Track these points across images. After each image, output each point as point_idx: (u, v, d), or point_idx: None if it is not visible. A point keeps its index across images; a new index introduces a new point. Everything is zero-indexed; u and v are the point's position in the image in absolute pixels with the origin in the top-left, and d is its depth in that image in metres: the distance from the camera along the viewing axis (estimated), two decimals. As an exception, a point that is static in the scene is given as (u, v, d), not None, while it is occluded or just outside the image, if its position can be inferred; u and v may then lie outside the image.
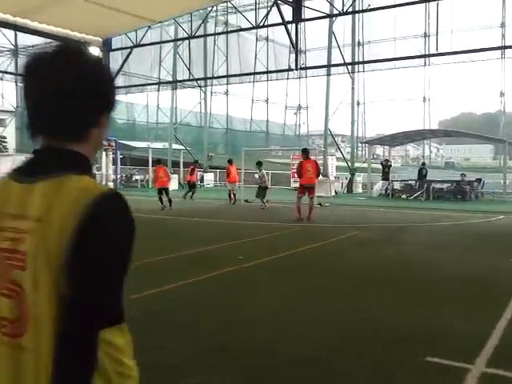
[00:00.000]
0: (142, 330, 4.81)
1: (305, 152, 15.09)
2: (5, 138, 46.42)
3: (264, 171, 19.08)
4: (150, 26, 23.98)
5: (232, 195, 20.41)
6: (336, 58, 26.58)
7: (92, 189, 1.17)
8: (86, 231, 1.12)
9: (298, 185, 15.81)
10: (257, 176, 19.33)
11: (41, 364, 1.15)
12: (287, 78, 31.31)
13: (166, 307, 5.61)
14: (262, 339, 4.58)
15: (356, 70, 25.74)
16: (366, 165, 28.96)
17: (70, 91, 1.22)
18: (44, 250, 1.14)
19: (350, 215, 15.90)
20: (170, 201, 17.17)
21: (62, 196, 1.16)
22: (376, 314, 5.32)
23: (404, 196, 23.64)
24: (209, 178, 33.90)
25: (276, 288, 6.57)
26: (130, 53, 25.50)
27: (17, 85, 41.45)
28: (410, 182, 25.31)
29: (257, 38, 44.29)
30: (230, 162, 20.82)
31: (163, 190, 17.43)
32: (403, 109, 47.74)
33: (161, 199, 17.35)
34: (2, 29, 34.40)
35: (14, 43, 37.14)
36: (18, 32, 31.41)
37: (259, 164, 18.92)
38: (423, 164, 27.77)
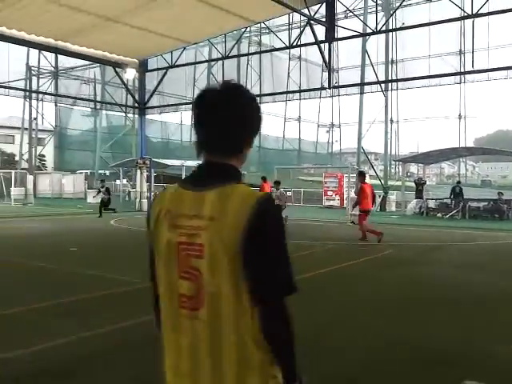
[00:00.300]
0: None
1: (362, 175, 14.25)
2: (44, 156, 47.86)
3: (282, 190, 18.96)
4: (185, 48, 24.49)
5: None
6: (369, 76, 26.57)
7: (253, 193, 1.53)
8: (257, 224, 1.47)
9: (356, 211, 14.36)
10: (274, 196, 19.35)
11: (215, 332, 1.50)
12: (320, 97, 31.35)
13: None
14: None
15: (389, 87, 25.61)
16: (399, 183, 28.63)
17: (239, 120, 1.62)
18: (219, 241, 1.48)
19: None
20: None
21: (232, 200, 1.51)
22: (413, 333, 5.26)
23: (439, 215, 23.24)
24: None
25: (315, 304, 6.56)
26: (165, 73, 26.05)
27: (56, 105, 42.88)
28: (445, 200, 24.88)
29: (289, 57, 44.66)
30: (263, 178, 20.72)
31: None
32: (437, 126, 47.42)
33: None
34: (44, 52, 35.83)
35: (54, 65, 38.51)
36: (58, 55, 32.55)
37: (277, 183, 18.66)
38: (458, 182, 27.29)
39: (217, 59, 27.97)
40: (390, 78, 28.17)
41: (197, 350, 1.53)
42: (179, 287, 1.55)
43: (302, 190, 32.61)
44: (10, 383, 3.93)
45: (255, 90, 40.81)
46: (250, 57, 40.46)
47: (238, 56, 30.62)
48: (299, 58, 45.84)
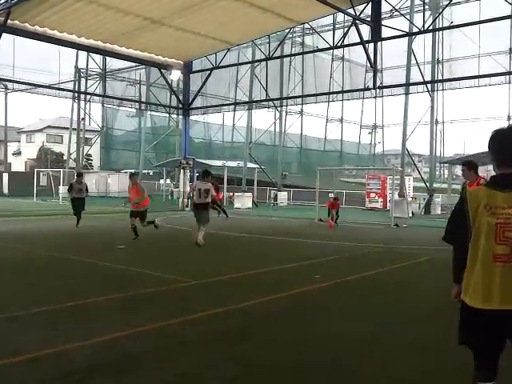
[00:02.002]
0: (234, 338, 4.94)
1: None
2: (90, 155, 49.19)
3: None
4: (229, 49, 24.69)
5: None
6: (415, 77, 26.09)
7: None
8: None
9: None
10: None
11: None
12: (363, 98, 31.03)
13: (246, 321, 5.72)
14: (343, 360, 4.55)
15: (436, 88, 25.07)
16: (445, 185, 27.97)
17: None
18: None
19: (428, 237, 15.39)
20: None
21: None
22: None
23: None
24: (282, 196, 34.03)
25: (355, 309, 6.50)
26: (209, 74, 26.34)
27: (103, 106, 44.01)
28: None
29: (333, 58, 44.34)
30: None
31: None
32: (485, 128, 45.81)
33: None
34: (92, 54, 36.83)
35: (101, 67, 39.51)
36: (106, 57, 33.37)
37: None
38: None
39: (260, 60, 28.09)
40: (436, 78, 27.54)
41: (508, 283, 2.54)
42: (496, 250, 2.55)
43: (344, 191, 32.28)
44: (66, 376, 4.05)
45: (297, 91, 40.76)
46: (292, 58, 40.43)
47: (281, 57, 30.64)
48: (342, 58, 45.47)
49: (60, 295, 6.72)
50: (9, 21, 18.78)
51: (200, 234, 11.85)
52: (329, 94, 30.49)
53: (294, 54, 36.27)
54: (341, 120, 51.03)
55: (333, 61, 44.37)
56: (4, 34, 19.32)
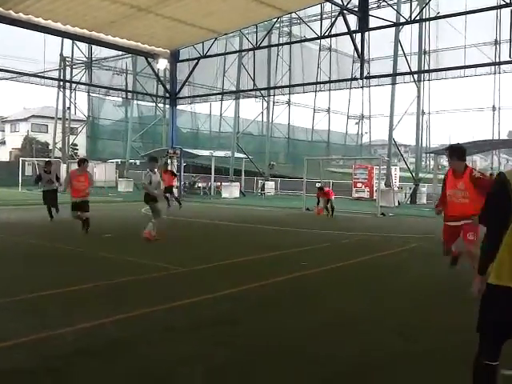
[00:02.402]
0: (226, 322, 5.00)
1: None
2: (76, 145, 48.69)
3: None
4: (216, 38, 24.56)
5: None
6: (401, 67, 26.17)
7: None
8: None
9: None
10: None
11: None
12: (350, 88, 31.11)
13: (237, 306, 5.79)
14: (332, 343, 4.64)
15: (422, 78, 25.18)
16: (430, 175, 28.22)
17: None
18: None
19: (413, 226, 15.57)
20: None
21: None
22: (444, 325, 5.24)
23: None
24: (270, 186, 34.10)
25: (343, 295, 6.60)
26: (196, 64, 26.20)
27: (89, 95, 43.54)
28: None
29: (320, 48, 44.28)
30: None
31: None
32: (470, 118, 46.25)
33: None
34: (78, 43, 36.40)
35: (87, 56, 39.08)
36: (92, 45, 33.00)
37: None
38: (490, 175, 26.72)
39: (247, 50, 27.98)
40: (423, 69, 27.67)
41: None
42: None
43: (332, 181, 32.40)
44: (54, 360, 4.08)
45: (285, 81, 40.67)
46: (280, 48, 40.29)
47: (269, 47, 30.53)
48: (329, 48, 45.41)
49: (47, 283, 6.73)
50: (-8, 8, 18.51)
51: (149, 226, 10.74)
52: (316, 83, 30.52)
53: (282, 44, 36.16)
54: (328, 110, 51.06)
55: (320, 51, 44.28)
56: (-12, 22, 19.04)
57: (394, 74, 25.14)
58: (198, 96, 32.82)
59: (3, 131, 61.29)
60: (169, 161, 27.46)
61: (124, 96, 37.85)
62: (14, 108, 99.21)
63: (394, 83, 25.30)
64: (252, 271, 8.05)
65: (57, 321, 5.05)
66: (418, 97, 28.89)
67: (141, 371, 3.88)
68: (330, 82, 30.15)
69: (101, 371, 3.88)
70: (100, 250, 9.43)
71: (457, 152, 6.61)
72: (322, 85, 30.27)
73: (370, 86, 29.99)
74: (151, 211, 11.22)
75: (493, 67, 22.45)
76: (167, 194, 18.64)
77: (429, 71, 25.92)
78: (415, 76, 24.75)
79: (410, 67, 25.11)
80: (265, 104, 41.89)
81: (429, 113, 39.57)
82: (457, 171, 6.58)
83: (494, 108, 37.72)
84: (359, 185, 30.28)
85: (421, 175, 29.34)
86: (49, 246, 10.07)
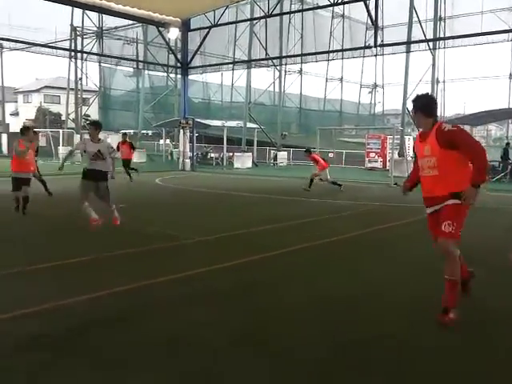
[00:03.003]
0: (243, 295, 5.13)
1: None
2: (89, 116, 48.78)
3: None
4: (227, 6, 24.22)
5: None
6: (416, 35, 25.70)
7: None
8: None
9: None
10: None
11: None
12: (363, 56, 30.64)
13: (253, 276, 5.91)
14: (339, 314, 4.75)
15: (437, 46, 24.71)
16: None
17: None
18: None
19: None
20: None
21: None
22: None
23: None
24: (282, 156, 34.06)
25: (352, 266, 6.69)
26: (207, 33, 25.91)
27: (100, 66, 43.41)
28: (492, 163, 24.20)
29: (333, 15, 43.52)
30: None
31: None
32: (486, 87, 45.44)
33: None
34: (88, 12, 36.09)
35: (98, 25, 38.80)
36: (102, 15, 32.72)
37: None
38: (507, 144, 26.44)
39: (259, 18, 27.60)
40: (438, 36, 27.12)
41: None
42: None
43: (344, 151, 32.29)
44: (70, 327, 4.24)
45: (297, 50, 40.15)
46: (292, 16, 39.65)
47: (281, 14, 30.03)
48: (342, 15, 44.60)
49: (63, 252, 6.88)
50: (3, -23, 18.38)
51: (114, 213, 8.86)
52: (328, 52, 30.13)
53: (294, 12, 35.60)
54: (341, 79, 50.48)
55: (333, 18, 43.56)
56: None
57: (409, 42, 24.72)
58: (209, 66, 32.55)
59: (16, 102, 61.48)
60: (181, 131, 27.49)
61: (135, 66, 37.65)
62: (26, 79, 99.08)
63: (408, 51, 24.89)
64: (265, 241, 8.15)
65: (73, 289, 5.20)
66: (433, 65, 28.44)
67: (153, 339, 4.01)
68: (342, 50, 29.75)
69: (115, 339, 4.01)
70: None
71: (421, 103, 4.52)
72: (334, 53, 29.86)
73: (383, 55, 29.49)
74: (103, 194, 8.68)
75: (510, 34, 21.94)
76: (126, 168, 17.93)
77: (444, 38, 25.41)
78: (430, 44, 24.29)
79: (424, 34, 24.66)
80: (276, 73, 41.51)
81: (444, 81, 39.05)
82: (424, 132, 4.56)
83: (510, 76, 37.04)
84: (372, 155, 30.13)
85: (434, 145, 29.10)
86: (62, 214, 10.25)
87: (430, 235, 4.76)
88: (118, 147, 16.97)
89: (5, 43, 30.12)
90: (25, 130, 10.44)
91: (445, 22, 31.67)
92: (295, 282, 5.74)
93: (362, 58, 40.97)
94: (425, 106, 4.51)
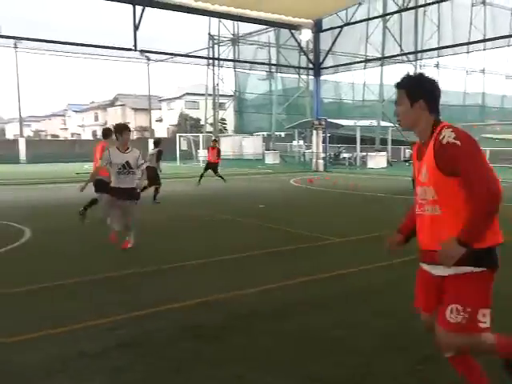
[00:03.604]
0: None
1: None
2: (225, 120, 51.17)
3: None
4: (360, 3, 23.89)
5: None
6: None
7: None
8: None
9: None
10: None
11: None
12: (508, 45, 28.37)
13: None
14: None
15: None
16: None
17: None
18: None
19: None
20: None
21: None
22: None
23: None
24: (417, 155, 32.67)
25: None
26: (339, 32, 25.77)
27: (235, 71, 45.26)
28: None
29: (472, 3, 40.77)
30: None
31: None
32: None
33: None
34: (223, 20, 37.85)
35: (232, 33, 40.49)
36: (237, 22, 34.07)
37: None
38: None
39: (393, 12, 26.83)
40: None
41: None
42: None
43: (488, 149, 30.07)
44: (235, 318, 4.52)
45: (433, 43, 38.24)
46: (426, 7, 37.88)
47: (417, 7, 28.84)
48: (483, 2, 41.60)
49: (227, 247, 7.40)
50: (150, -5, 20.02)
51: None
52: (468, 43, 28.29)
53: (430, 4, 33.91)
54: (482, 71, 47.13)
55: (473, 6, 40.79)
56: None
57: None
58: (341, 65, 32.31)
59: (160, 109, 66.59)
60: (314, 132, 27.66)
61: (267, 69, 38.68)
62: (169, 87, 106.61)
63: None
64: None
65: (236, 283, 5.55)
66: None
67: (303, 334, 4.13)
68: (484, 40, 27.78)
69: (273, 331, 4.20)
70: (257, 220, 9.97)
71: (411, 85, 2.72)
72: (475, 44, 28.01)
73: (533, 42, 26.99)
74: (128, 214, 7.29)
75: None
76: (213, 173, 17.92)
77: None
78: None
79: None
80: (411, 69, 39.94)
81: None
82: (422, 140, 2.71)
83: None
84: (521, 151, 27.71)
85: None
86: (217, 216, 10.90)
87: (415, 302, 2.86)
88: (208, 150, 18.90)
89: (151, 55, 32.61)
90: (108, 131, 8.86)
91: None
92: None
93: (508, 47, 37.86)
94: (415, 87, 2.69)
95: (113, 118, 73.02)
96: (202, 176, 17.85)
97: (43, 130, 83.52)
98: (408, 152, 33.24)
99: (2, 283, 5.58)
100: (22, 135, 44.57)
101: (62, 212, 11.23)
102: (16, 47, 33.51)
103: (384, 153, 31.38)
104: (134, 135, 64.00)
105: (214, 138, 22.37)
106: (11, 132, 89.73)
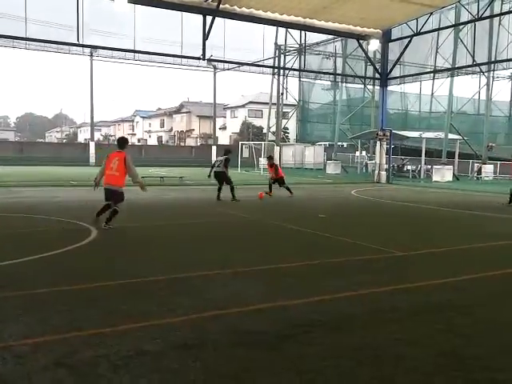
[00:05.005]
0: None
1: None
2: (287, 129, 51.31)
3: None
4: (431, 13, 23.31)
5: None
6: None
7: None
8: None
9: None
10: None
11: None
12: None
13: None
14: None
15: None
16: None
17: None
18: None
19: None
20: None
21: None
22: None
23: None
24: (488, 170, 31.41)
25: None
26: (409, 42, 25.26)
27: (300, 80, 45.35)
28: None
29: (552, 13, 38.77)
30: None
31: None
32: None
33: None
34: (290, 30, 38.04)
35: (299, 42, 40.60)
36: (304, 32, 34.13)
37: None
38: None
39: (467, 22, 25.99)
40: None
41: None
42: None
43: None
44: (293, 327, 4.48)
45: (508, 54, 36.70)
46: (502, 17, 36.47)
47: (492, 17, 27.83)
48: None
49: (283, 256, 7.40)
50: (220, 5, 20.43)
51: None
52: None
53: (507, 13, 32.62)
54: (561, 83, 44.67)
55: (552, 16, 38.79)
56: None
57: None
58: (409, 75, 31.70)
59: (224, 117, 67.71)
60: (378, 143, 27.21)
61: (332, 79, 38.43)
62: (233, 96, 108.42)
63: None
64: (477, 259, 7.61)
65: (291, 292, 5.51)
66: None
67: (362, 346, 4.02)
68: None
69: (331, 343, 4.13)
70: (317, 230, 9.88)
71: None
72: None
73: None
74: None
75: None
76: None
77: None
78: None
79: None
80: (483, 80, 38.52)
81: None
82: None
83: None
84: None
85: None
86: (277, 224, 10.92)
87: None
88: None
89: (218, 64, 33.17)
90: (124, 141, 9.68)
91: None
92: (514, 308, 5.24)
93: None
94: None
95: (178, 124, 74.98)
96: (270, 187, 17.27)
97: (112, 135, 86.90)
98: (476, 166, 32.03)
99: (67, 279, 5.82)
100: (93, 139, 46.63)
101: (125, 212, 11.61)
102: (92, 55, 35.20)
103: (450, 166, 30.37)
104: (197, 142, 65.52)
105: (268, 155, 21.81)
106: (83, 136, 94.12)
